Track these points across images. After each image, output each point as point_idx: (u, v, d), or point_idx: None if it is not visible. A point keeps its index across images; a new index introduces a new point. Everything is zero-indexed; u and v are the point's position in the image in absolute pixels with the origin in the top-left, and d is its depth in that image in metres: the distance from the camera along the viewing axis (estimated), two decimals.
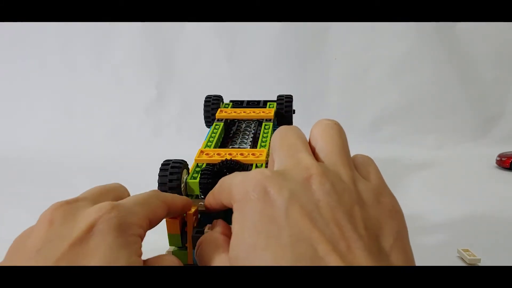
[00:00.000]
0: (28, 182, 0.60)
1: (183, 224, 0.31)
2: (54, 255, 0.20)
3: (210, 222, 0.30)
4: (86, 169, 0.65)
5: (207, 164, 0.35)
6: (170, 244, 0.32)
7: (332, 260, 0.18)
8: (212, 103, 0.48)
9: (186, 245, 0.31)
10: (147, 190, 0.37)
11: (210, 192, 0.27)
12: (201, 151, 0.37)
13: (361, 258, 0.18)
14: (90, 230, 0.21)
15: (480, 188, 0.57)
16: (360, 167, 0.24)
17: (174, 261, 0.25)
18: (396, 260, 0.19)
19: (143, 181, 0.43)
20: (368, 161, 0.24)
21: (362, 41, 0.85)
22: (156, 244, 0.32)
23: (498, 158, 0.67)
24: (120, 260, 0.21)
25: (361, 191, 0.22)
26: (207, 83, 0.85)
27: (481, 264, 0.35)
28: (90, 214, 0.22)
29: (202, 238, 0.25)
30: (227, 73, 0.86)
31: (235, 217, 0.21)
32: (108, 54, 0.87)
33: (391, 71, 0.85)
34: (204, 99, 0.49)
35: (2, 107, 0.86)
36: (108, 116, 0.85)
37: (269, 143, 0.39)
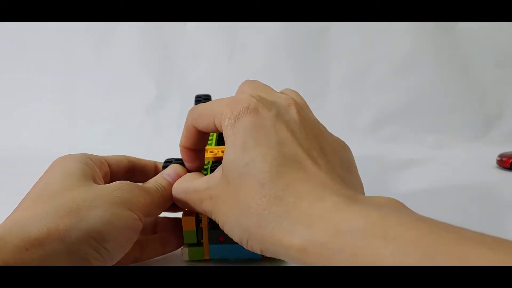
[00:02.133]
0: (28, 182, 0.60)
1: (198, 221, 0.32)
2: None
3: None
4: None
5: (213, 162, 0.36)
6: (186, 241, 0.32)
7: (306, 162, 0.23)
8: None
9: (201, 241, 0.32)
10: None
11: (183, 132, 0.31)
12: (205, 149, 0.37)
13: (328, 165, 0.24)
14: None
15: (480, 188, 0.57)
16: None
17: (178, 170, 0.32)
18: (350, 178, 0.26)
19: None
20: (316, 126, 0.30)
21: (363, 41, 0.85)
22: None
23: (499, 158, 0.66)
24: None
25: (320, 126, 0.29)
26: (207, 83, 0.85)
27: None
28: None
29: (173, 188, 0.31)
30: (227, 73, 0.86)
31: (227, 131, 0.25)
32: (108, 54, 0.87)
33: (391, 71, 0.85)
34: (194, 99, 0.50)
35: (1, 107, 0.86)
36: (108, 116, 0.85)
37: None
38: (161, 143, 0.81)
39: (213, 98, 0.51)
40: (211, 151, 0.37)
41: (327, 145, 0.27)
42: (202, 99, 0.49)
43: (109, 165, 0.33)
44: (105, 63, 0.87)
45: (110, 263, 0.25)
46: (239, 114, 0.25)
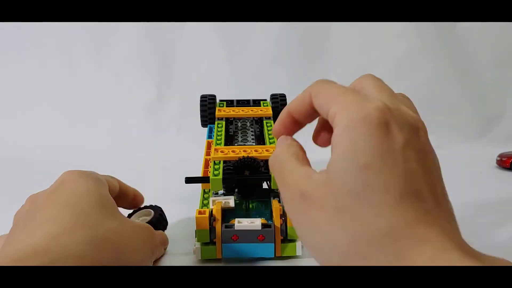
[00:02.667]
0: (28, 182, 0.60)
1: (211, 220, 0.32)
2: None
3: (233, 218, 0.32)
4: (86, 169, 0.65)
5: (224, 161, 0.35)
6: (198, 240, 0.32)
7: (431, 204, 0.20)
8: (209, 102, 0.48)
9: (214, 240, 0.32)
10: (147, 189, 0.38)
11: (289, 104, 0.27)
12: (215, 149, 0.37)
13: (444, 208, 0.22)
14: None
15: (480, 188, 0.57)
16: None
17: None
18: (447, 207, 0.23)
19: (143, 181, 0.43)
20: (435, 158, 0.26)
21: (362, 41, 0.85)
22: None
23: (499, 158, 0.66)
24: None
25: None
26: (207, 83, 0.85)
27: None
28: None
29: (276, 151, 0.26)
30: (228, 73, 0.86)
31: (344, 133, 0.21)
32: (108, 54, 0.87)
33: (391, 71, 0.85)
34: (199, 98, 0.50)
35: (1, 107, 0.86)
36: (108, 116, 0.85)
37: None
38: (161, 143, 0.81)
39: (218, 98, 0.51)
40: (222, 150, 0.37)
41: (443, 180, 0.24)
42: (207, 99, 0.49)
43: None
44: (105, 63, 0.87)
45: None
46: (366, 119, 0.21)
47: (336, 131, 0.22)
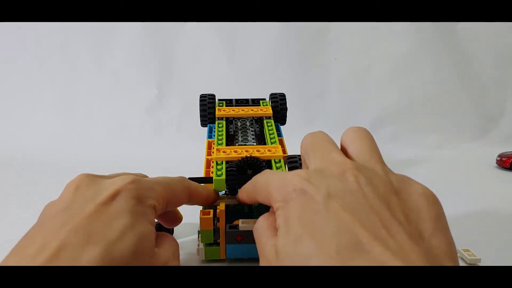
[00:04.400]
0: (28, 182, 0.60)
1: (215, 221, 0.32)
2: (79, 213, 0.23)
3: (236, 219, 0.32)
4: (87, 169, 0.64)
5: (227, 162, 0.36)
6: (202, 241, 0.33)
7: (374, 248, 0.18)
8: (208, 102, 0.48)
9: (218, 240, 0.32)
10: None
11: (243, 189, 0.30)
12: (217, 149, 0.37)
13: (403, 243, 0.19)
14: (114, 196, 0.25)
15: (480, 188, 0.57)
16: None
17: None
18: (438, 243, 0.20)
19: None
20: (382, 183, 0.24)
21: (362, 41, 0.85)
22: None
23: (498, 158, 0.66)
24: (137, 225, 0.24)
25: (394, 181, 0.23)
26: (207, 83, 0.85)
27: (481, 264, 0.35)
28: (115, 182, 0.26)
29: (256, 223, 0.27)
30: (227, 73, 0.86)
31: (279, 214, 0.23)
32: (109, 54, 0.87)
33: (391, 71, 0.85)
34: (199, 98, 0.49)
35: (2, 107, 0.86)
36: (109, 116, 0.85)
37: (277, 139, 0.40)
38: (161, 143, 0.82)
39: (217, 97, 0.51)
40: (224, 151, 0.37)
41: (405, 206, 0.21)
42: (207, 98, 0.48)
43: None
44: (105, 63, 0.87)
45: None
46: (287, 197, 0.22)
47: (277, 214, 0.23)
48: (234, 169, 0.34)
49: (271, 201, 0.24)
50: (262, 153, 0.36)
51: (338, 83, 0.85)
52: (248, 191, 0.29)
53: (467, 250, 0.36)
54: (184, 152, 0.67)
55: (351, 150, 0.26)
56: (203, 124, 0.49)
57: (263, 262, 0.24)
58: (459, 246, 0.37)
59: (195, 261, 0.34)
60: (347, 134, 0.27)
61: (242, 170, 0.35)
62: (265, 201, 0.26)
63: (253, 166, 0.35)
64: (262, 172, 0.28)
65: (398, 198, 0.21)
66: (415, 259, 0.18)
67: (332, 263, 0.18)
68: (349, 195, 0.21)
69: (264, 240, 0.24)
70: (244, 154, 0.36)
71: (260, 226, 0.26)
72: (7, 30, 0.86)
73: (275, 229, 0.24)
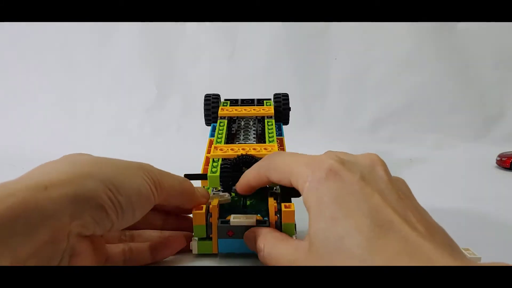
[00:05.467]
0: None
1: (208, 216, 0.33)
2: None
3: (229, 214, 0.32)
4: None
5: (223, 159, 0.36)
6: (195, 235, 0.33)
7: (403, 227, 0.20)
8: (212, 101, 0.48)
9: (210, 235, 0.33)
10: None
11: (246, 174, 0.31)
12: (215, 147, 0.38)
13: (427, 226, 0.21)
14: None
15: (480, 188, 0.57)
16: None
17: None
18: (441, 239, 0.22)
19: None
20: (404, 185, 0.27)
21: (362, 41, 0.85)
22: None
23: (498, 158, 0.66)
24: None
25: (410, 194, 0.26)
26: (207, 82, 0.85)
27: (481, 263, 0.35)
28: None
29: (258, 232, 0.29)
30: (227, 72, 0.86)
31: (308, 196, 0.24)
32: (109, 54, 0.87)
33: (391, 71, 0.85)
34: (203, 97, 0.50)
35: (2, 107, 0.86)
36: (109, 116, 0.85)
37: (276, 138, 0.41)
38: (161, 143, 0.82)
39: (222, 98, 0.52)
40: (221, 148, 0.37)
41: (418, 203, 0.25)
42: (211, 98, 0.49)
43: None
44: (106, 63, 0.87)
45: (122, 222, 0.26)
46: (320, 178, 0.23)
47: (303, 197, 0.24)
48: (229, 166, 0.34)
49: (297, 179, 0.25)
50: (258, 151, 0.37)
51: (338, 83, 0.86)
52: (256, 174, 0.30)
53: (467, 250, 0.36)
54: (184, 152, 0.67)
55: None
56: (207, 123, 0.49)
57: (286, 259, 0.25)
58: (459, 245, 0.37)
59: (187, 255, 0.34)
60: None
61: (237, 168, 0.35)
62: (283, 180, 0.27)
63: (248, 163, 0.35)
64: (274, 153, 0.29)
65: (414, 196, 0.25)
66: (440, 241, 0.21)
67: (366, 244, 0.20)
68: (380, 183, 0.23)
69: (281, 247, 0.26)
70: (240, 152, 0.36)
71: (273, 232, 0.28)
72: (7, 30, 0.86)
73: (286, 236, 0.27)
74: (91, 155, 0.29)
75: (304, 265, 0.23)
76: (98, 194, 0.23)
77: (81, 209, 0.22)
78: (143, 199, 0.27)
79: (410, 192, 0.25)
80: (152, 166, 0.29)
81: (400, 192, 0.24)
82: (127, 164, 0.28)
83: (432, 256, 0.19)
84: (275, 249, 0.27)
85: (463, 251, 0.36)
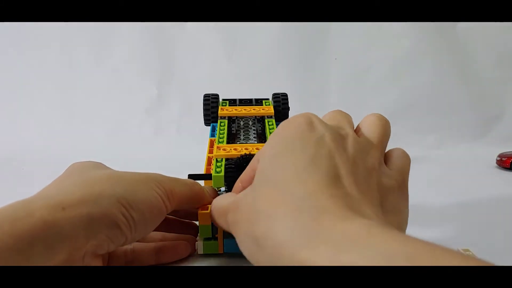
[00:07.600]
0: (28, 182, 0.60)
1: None
2: None
3: None
4: None
5: (226, 159, 0.36)
6: (201, 235, 0.33)
7: (347, 181, 0.20)
8: (212, 101, 0.49)
9: (216, 235, 0.33)
10: None
11: (237, 180, 0.30)
12: (218, 147, 0.38)
13: (363, 195, 0.21)
14: None
15: (480, 188, 0.57)
16: (391, 160, 0.27)
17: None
18: (390, 219, 0.22)
19: None
20: (404, 160, 0.27)
21: (362, 41, 0.85)
22: None
23: (498, 158, 0.66)
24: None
25: (383, 170, 0.24)
26: (207, 82, 0.85)
27: None
28: None
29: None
30: (227, 72, 0.86)
31: (268, 141, 0.24)
32: (109, 54, 0.87)
33: (391, 71, 0.85)
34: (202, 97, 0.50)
35: (2, 107, 0.86)
36: (109, 116, 0.85)
37: None
38: (161, 143, 0.82)
39: (221, 97, 0.52)
40: (224, 148, 0.37)
41: (379, 184, 0.23)
42: (210, 98, 0.49)
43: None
44: (105, 63, 0.87)
45: (135, 235, 0.26)
46: (289, 120, 0.24)
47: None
48: (233, 166, 0.34)
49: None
50: None
51: (338, 83, 0.86)
52: (244, 172, 0.29)
53: (467, 250, 0.36)
54: (184, 152, 0.67)
55: (361, 131, 0.27)
56: (207, 123, 0.49)
57: (223, 219, 0.26)
58: (459, 245, 0.37)
59: (193, 255, 0.34)
60: (367, 117, 0.29)
61: (241, 167, 0.35)
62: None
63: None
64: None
65: (377, 175, 0.23)
66: (368, 196, 0.21)
67: (295, 178, 0.20)
68: (342, 147, 0.23)
69: (226, 199, 0.27)
70: (244, 152, 0.36)
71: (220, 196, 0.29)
72: (7, 30, 0.86)
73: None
74: (101, 165, 0.30)
75: (239, 202, 0.23)
76: (112, 212, 0.24)
77: (97, 229, 0.23)
78: (156, 212, 0.27)
79: (373, 172, 0.23)
80: (162, 176, 0.29)
81: (365, 163, 0.23)
82: (138, 177, 0.27)
83: (356, 203, 0.19)
84: (217, 199, 0.28)
85: (463, 252, 0.36)
